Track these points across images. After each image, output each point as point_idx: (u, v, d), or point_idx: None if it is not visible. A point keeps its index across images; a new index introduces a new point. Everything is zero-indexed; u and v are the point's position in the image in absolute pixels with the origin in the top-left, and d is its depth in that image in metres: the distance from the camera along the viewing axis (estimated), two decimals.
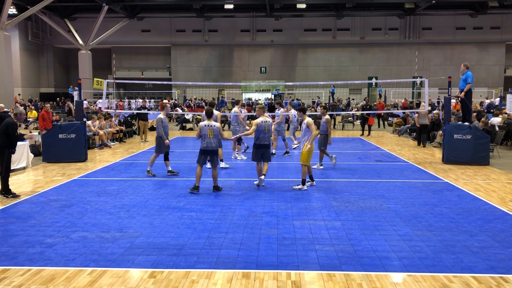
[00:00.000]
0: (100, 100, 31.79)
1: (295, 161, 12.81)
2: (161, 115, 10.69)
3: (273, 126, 13.49)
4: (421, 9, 37.54)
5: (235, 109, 13.94)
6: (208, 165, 10.01)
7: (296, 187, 9.24)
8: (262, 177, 9.32)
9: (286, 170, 11.58)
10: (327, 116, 11.49)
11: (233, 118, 13.52)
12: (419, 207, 7.80)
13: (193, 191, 8.81)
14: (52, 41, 43.91)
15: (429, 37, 42.11)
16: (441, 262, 5.33)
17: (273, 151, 13.68)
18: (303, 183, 9.18)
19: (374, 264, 5.28)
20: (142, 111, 19.93)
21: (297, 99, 32.32)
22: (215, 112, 12.58)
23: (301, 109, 9.51)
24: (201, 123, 8.88)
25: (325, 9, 39.67)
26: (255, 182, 9.55)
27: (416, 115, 17.09)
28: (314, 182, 9.54)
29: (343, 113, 26.48)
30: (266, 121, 9.41)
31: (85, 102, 22.80)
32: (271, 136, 11.00)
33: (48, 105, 15.67)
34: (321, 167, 11.66)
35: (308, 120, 9.10)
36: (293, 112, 15.44)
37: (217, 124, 8.92)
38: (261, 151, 9.32)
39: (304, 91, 39.95)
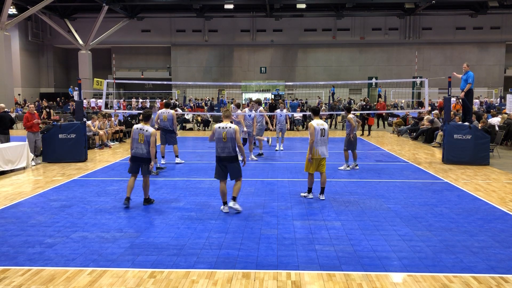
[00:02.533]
0: (93, 100, 31.83)
1: (295, 161, 12.82)
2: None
3: (245, 129, 12.45)
4: (421, 9, 37.53)
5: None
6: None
7: (303, 194, 8.69)
8: (231, 203, 7.47)
9: (286, 170, 11.58)
10: (350, 115, 11.37)
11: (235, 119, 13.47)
12: (419, 207, 7.80)
13: (125, 203, 7.76)
14: (52, 41, 43.92)
15: (429, 37, 42.12)
16: (441, 262, 5.33)
17: (260, 151, 13.69)
18: (309, 191, 8.56)
19: (374, 264, 5.28)
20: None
21: (300, 99, 32.26)
22: (171, 111, 11.61)
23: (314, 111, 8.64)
24: (134, 126, 8.04)
25: (325, 9, 39.67)
26: (221, 208, 7.63)
27: (427, 116, 17.43)
28: (311, 194, 8.56)
29: (343, 113, 26.47)
30: (225, 127, 7.38)
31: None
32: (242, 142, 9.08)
33: (32, 105, 14.04)
34: (357, 167, 11.56)
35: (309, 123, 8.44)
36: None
37: (151, 130, 7.81)
38: (223, 165, 7.47)
39: (304, 91, 39.94)
